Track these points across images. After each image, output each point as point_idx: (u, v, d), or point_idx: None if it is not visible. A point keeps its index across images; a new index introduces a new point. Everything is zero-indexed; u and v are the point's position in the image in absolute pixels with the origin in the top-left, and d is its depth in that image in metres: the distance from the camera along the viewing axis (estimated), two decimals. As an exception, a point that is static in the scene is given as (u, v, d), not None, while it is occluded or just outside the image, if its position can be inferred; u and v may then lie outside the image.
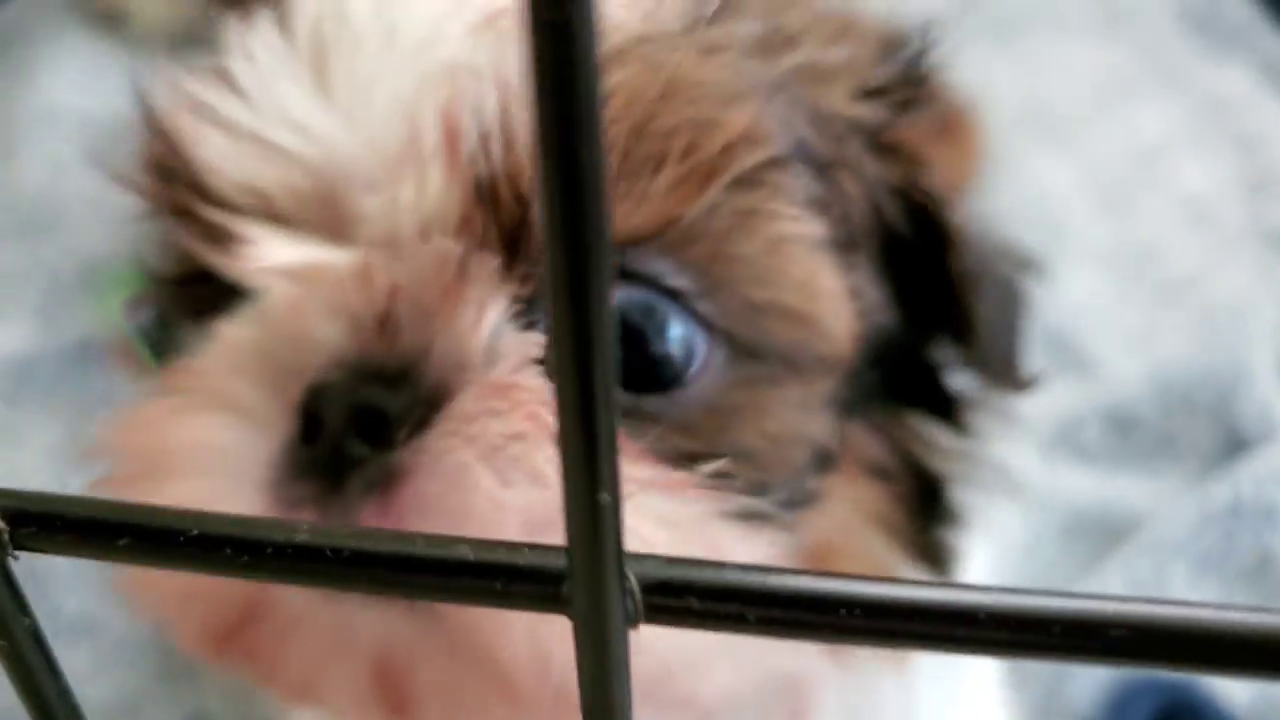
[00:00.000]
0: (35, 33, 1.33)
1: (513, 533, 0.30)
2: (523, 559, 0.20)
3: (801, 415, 0.36)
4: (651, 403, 0.34)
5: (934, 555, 0.43)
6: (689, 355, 0.34)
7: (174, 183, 0.36)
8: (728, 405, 0.35)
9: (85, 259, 1.03)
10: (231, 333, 0.34)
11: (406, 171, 0.33)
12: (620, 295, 0.33)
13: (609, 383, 0.17)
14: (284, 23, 0.35)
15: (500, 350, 0.32)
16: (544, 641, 0.30)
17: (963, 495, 0.45)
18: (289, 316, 0.33)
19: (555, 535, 0.27)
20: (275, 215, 0.35)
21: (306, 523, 0.21)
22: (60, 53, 1.27)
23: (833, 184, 0.37)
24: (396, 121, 0.33)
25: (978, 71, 1.14)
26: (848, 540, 0.40)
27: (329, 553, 0.20)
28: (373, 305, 0.32)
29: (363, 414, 0.31)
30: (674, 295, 0.33)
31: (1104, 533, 0.78)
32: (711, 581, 0.19)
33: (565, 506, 0.18)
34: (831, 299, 0.36)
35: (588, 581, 0.19)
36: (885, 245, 0.41)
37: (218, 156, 0.35)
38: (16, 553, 0.23)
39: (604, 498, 0.17)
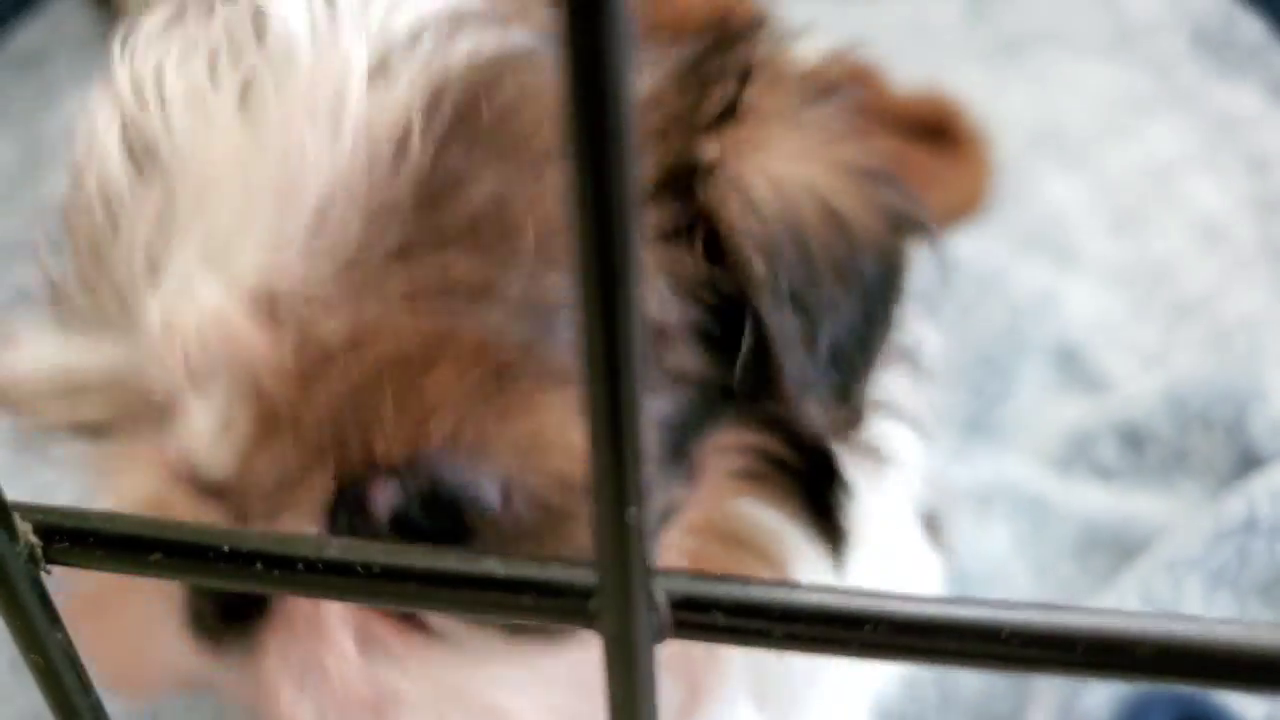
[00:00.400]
0: (61, 51, 1.34)
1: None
2: (551, 574, 0.20)
3: None
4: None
5: (829, 531, 0.41)
6: (490, 505, 0.35)
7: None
8: (536, 530, 0.35)
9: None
10: None
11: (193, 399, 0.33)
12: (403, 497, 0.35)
13: (636, 401, 0.17)
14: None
15: None
16: None
17: (849, 464, 0.43)
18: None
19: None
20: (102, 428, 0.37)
21: (337, 539, 0.21)
22: (86, 71, 1.28)
23: None
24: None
25: (990, 91, 1.15)
26: (725, 542, 0.40)
27: (360, 568, 0.21)
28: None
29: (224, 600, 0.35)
30: (459, 486, 0.34)
31: (1119, 548, 0.78)
32: (737, 598, 0.19)
33: (595, 523, 0.18)
34: None
35: (616, 597, 0.19)
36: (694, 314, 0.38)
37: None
38: (49, 567, 0.24)
39: (632, 513, 0.18)
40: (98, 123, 0.36)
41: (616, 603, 0.19)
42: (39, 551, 0.23)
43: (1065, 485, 0.83)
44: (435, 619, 0.36)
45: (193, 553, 0.22)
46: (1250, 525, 0.73)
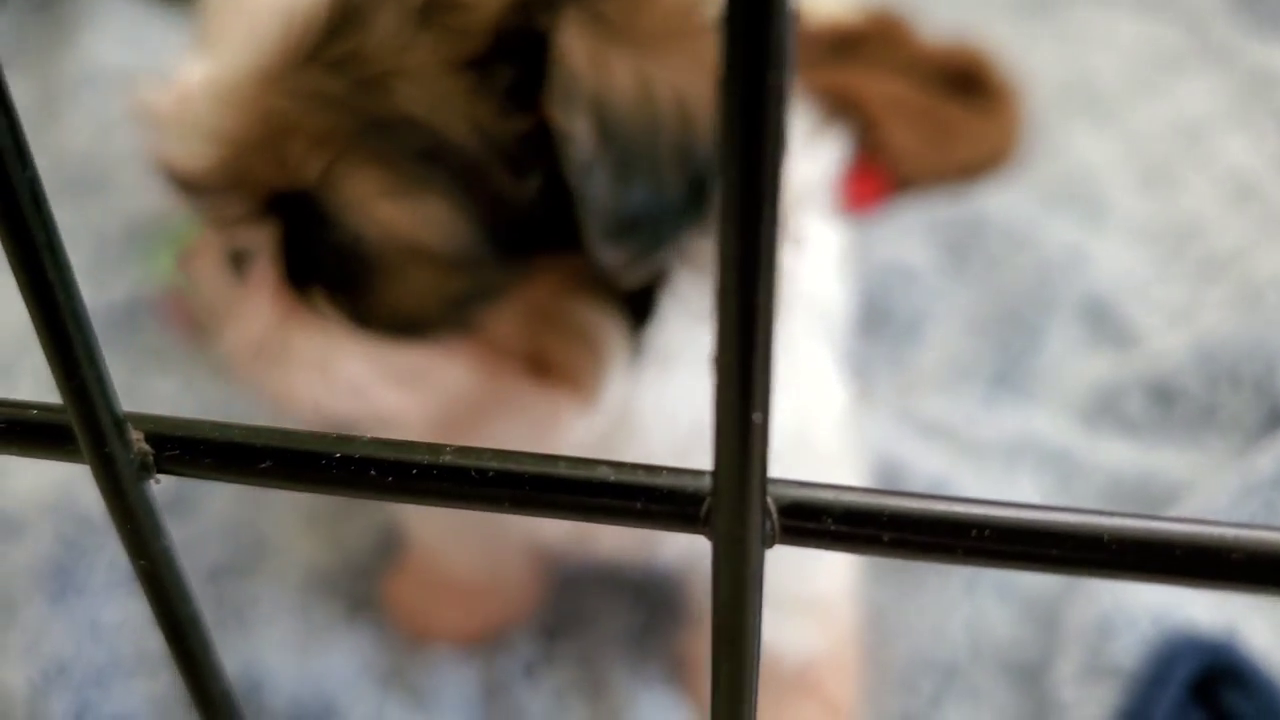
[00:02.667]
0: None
1: None
2: (662, 480, 0.21)
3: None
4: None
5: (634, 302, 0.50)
6: (350, 238, 0.48)
7: None
8: (381, 273, 0.49)
9: (132, 218, 1.04)
10: None
11: None
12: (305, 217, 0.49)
13: (770, 308, 0.17)
14: None
15: None
16: None
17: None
18: None
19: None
20: None
21: (450, 445, 0.22)
22: (102, 12, 1.28)
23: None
24: None
25: (1020, 45, 1.14)
26: (556, 330, 0.50)
27: (474, 473, 0.21)
28: None
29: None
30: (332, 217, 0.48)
31: (1145, 502, 0.78)
32: (846, 505, 0.20)
33: (716, 425, 0.19)
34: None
35: (733, 500, 0.19)
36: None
37: None
38: (159, 476, 0.24)
39: (758, 417, 0.18)
40: None
41: (733, 507, 0.19)
42: (150, 460, 0.24)
43: (1092, 439, 0.83)
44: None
45: (305, 461, 0.23)
46: (1278, 481, 0.74)
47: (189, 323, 0.92)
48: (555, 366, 0.51)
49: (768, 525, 0.20)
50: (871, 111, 1.03)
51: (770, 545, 0.20)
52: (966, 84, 1.07)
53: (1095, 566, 0.20)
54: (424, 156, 0.45)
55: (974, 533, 0.20)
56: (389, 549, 0.77)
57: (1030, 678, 0.67)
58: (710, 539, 0.20)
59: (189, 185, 0.49)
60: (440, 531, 0.70)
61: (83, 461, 0.24)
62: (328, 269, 0.49)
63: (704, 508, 0.20)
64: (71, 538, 0.75)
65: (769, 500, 0.20)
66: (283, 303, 0.50)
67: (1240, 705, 0.60)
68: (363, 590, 0.75)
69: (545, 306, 0.49)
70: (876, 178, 1.02)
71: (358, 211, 0.46)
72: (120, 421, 0.24)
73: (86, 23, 1.25)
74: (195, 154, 0.47)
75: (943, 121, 1.03)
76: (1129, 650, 0.63)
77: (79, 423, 0.23)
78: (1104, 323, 0.91)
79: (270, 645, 0.72)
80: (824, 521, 0.20)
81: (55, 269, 0.21)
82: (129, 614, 0.74)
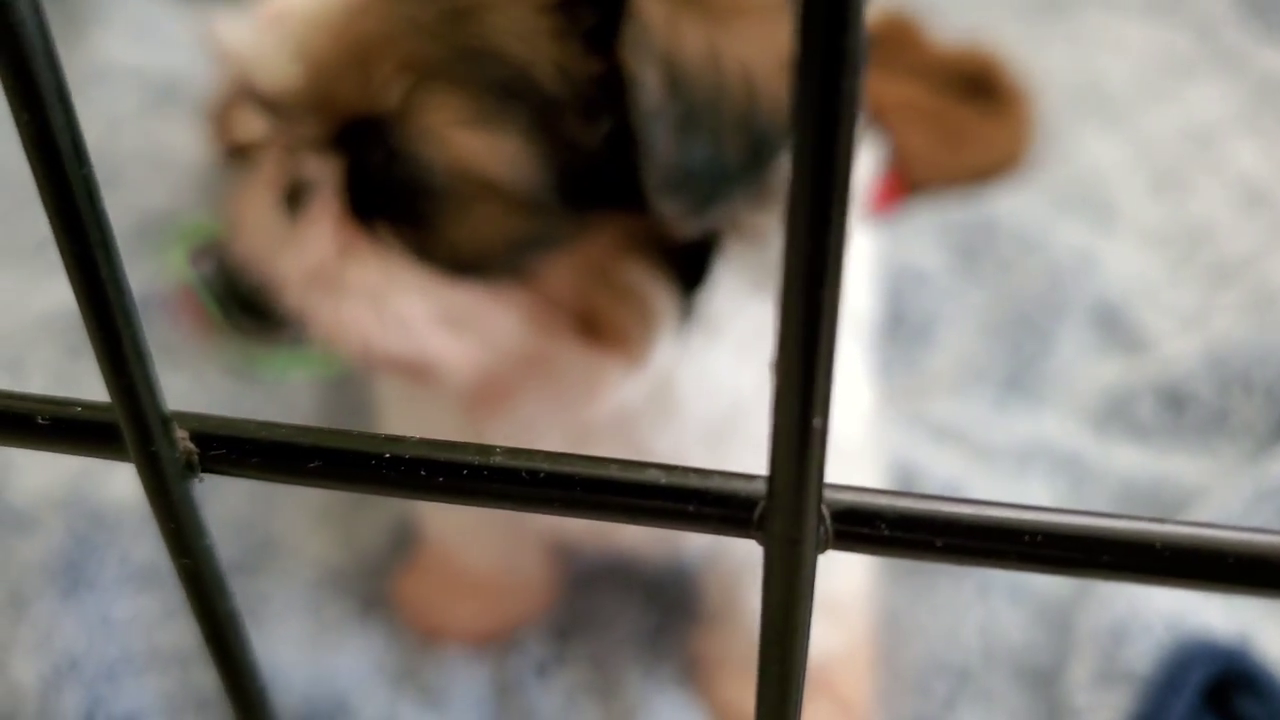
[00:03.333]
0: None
1: None
2: (714, 484, 0.21)
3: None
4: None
5: (687, 268, 0.51)
6: (423, 169, 0.48)
7: None
8: (456, 205, 0.49)
9: (143, 214, 1.04)
10: None
11: None
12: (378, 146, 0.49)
13: (834, 313, 0.17)
14: None
15: None
16: None
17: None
18: None
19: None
20: None
21: (501, 446, 0.22)
22: (112, 8, 1.28)
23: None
24: None
25: (1033, 49, 1.14)
26: (609, 289, 0.51)
27: (524, 474, 0.21)
28: None
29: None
30: (407, 146, 0.49)
31: (1156, 508, 0.78)
32: (900, 510, 0.20)
33: (774, 429, 0.19)
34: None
35: (789, 506, 0.19)
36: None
37: None
38: (202, 475, 0.24)
39: (818, 422, 0.18)
40: None
41: (789, 511, 0.19)
42: (195, 459, 0.24)
43: (1103, 444, 0.84)
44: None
45: (355, 461, 0.23)
46: (1289, 486, 0.74)
47: (200, 319, 0.92)
48: (605, 326, 0.51)
49: (821, 530, 0.20)
50: (883, 115, 1.03)
51: (823, 550, 0.20)
52: (978, 87, 1.07)
53: (1148, 573, 0.20)
54: (505, 90, 0.46)
55: (1026, 539, 0.20)
56: (401, 547, 0.77)
57: (1043, 682, 0.67)
58: (763, 543, 0.20)
59: (268, 105, 0.50)
60: (459, 525, 0.70)
61: (127, 459, 0.24)
62: (393, 201, 0.50)
63: (757, 511, 0.20)
64: (83, 533, 0.75)
65: (823, 506, 0.20)
66: (343, 234, 0.51)
67: (1254, 711, 0.60)
68: (375, 588, 0.75)
69: (601, 263, 0.50)
70: (889, 181, 1.02)
71: (433, 139, 0.47)
72: (167, 420, 0.24)
73: (96, 19, 1.25)
74: (280, 74, 0.48)
75: (954, 125, 1.03)
76: (1143, 655, 0.63)
77: (126, 421, 0.23)
78: (1115, 327, 0.91)
79: (282, 643, 0.72)
80: (878, 527, 0.20)
81: (108, 266, 0.21)
82: (140, 610, 0.74)
